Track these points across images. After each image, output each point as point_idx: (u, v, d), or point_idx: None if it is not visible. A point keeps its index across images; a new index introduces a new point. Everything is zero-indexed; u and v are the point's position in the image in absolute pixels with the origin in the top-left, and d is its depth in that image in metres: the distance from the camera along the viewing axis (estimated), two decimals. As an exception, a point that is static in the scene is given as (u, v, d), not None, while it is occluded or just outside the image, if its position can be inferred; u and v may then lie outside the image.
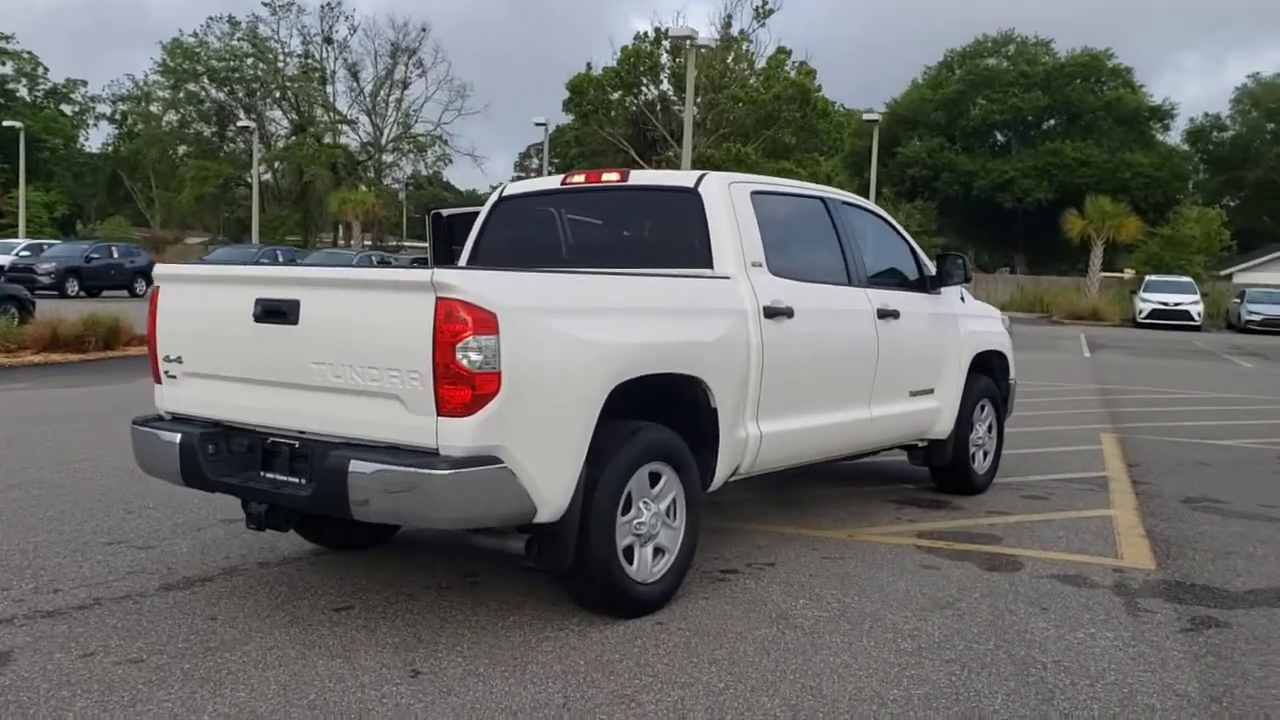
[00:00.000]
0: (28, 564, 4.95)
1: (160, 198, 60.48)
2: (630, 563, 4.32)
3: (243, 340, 4.15)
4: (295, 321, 3.96)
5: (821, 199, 5.98)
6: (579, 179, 5.62)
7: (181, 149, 61.66)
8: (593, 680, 3.71)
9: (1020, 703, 3.67)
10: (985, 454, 7.20)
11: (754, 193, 5.26)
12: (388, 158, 62.56)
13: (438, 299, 3.64)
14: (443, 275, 3.67)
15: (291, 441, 4.07)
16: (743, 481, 5.23)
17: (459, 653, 3.92)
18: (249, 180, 51.04)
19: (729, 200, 5.06)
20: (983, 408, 7.11)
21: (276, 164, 59.54)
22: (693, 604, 4.56)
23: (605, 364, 4.06)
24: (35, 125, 54.15)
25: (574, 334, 3.96)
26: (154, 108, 61.87)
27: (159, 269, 4.65)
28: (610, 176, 5.52)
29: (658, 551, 4.48)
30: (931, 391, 6.51)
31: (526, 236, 5.84)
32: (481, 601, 4.52)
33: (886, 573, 5.15)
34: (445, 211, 6.55)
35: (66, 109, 65.39)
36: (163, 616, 4.26)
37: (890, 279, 6.31)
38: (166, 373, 4.48)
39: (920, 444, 6.74)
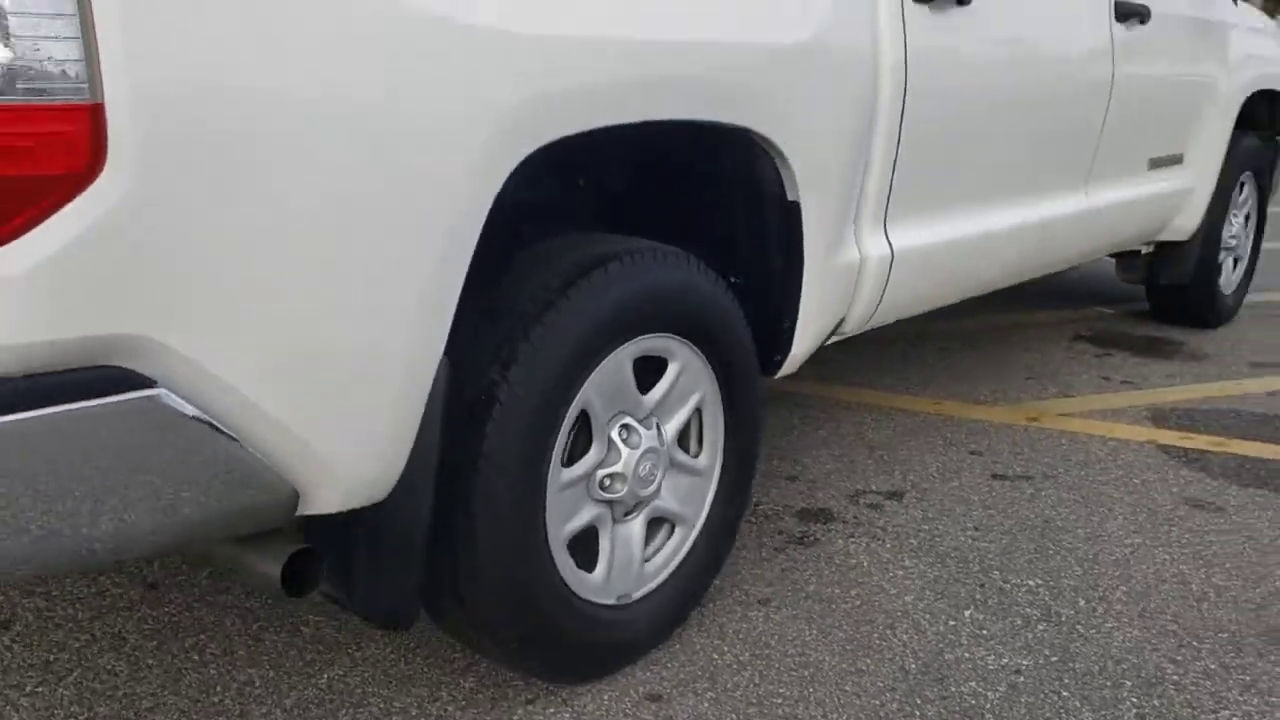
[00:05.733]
0: None
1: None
2: (594, 567, 1.88)
3: None
4: None
5: None
6: None
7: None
8: None
9: None
10: (1236, 261, 4.49)
11: None
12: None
13: None
14: None
15: None
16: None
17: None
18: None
19: None
20: (1241, 186, 4.35)
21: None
22: (730, 626, 2.13)
23: (497, 86, 1.47)
24: None
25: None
26: None
27: None
28: None
29: (659, 527, 2.02)
30: (1180, 160, 3.76)
31: None
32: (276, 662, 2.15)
33: (1119, 522, 2.64)
34: None
35: None
36: None
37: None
38: None
39: (1143, 249, 4.07)
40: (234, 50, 1.22)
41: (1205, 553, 2.48)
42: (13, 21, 1.09)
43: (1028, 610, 2.21)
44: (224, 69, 1.22)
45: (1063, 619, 2.18)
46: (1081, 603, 2.24)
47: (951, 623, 2.15)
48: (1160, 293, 4.31)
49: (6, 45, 1.09)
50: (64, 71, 1.12)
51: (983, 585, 2.30)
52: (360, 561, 1.60)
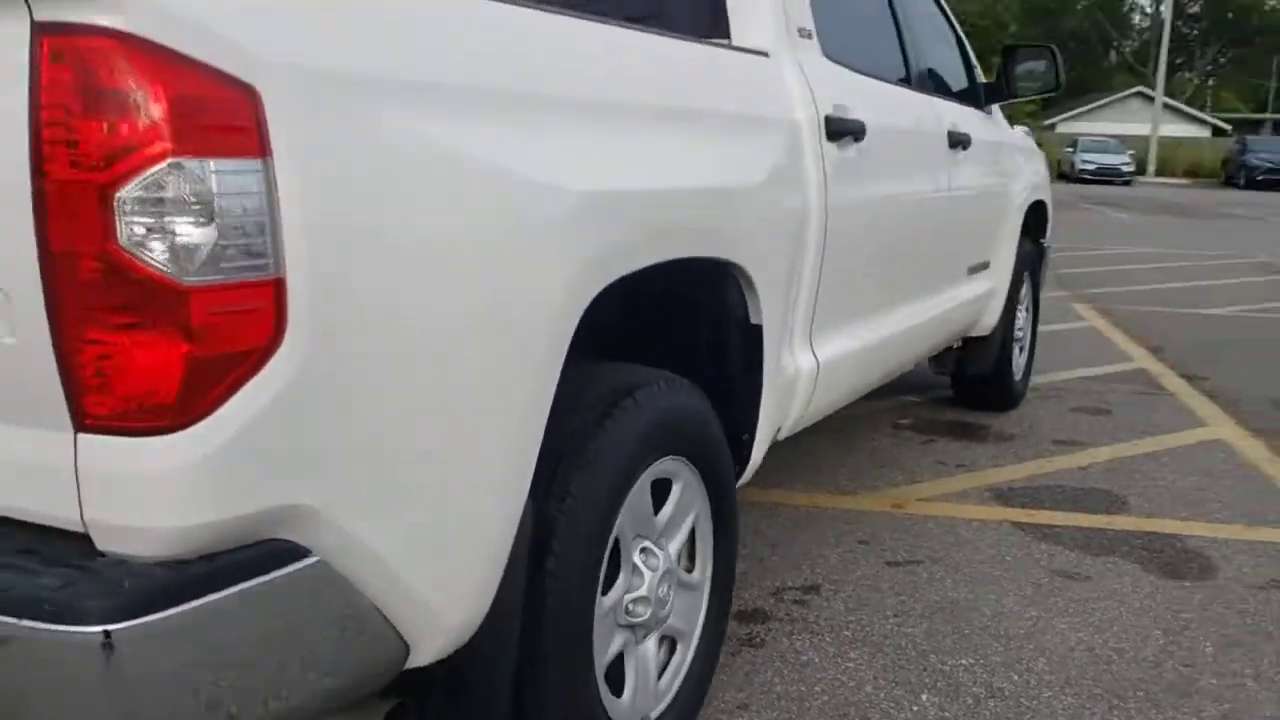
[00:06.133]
0: None
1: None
2: (620, 691, 1.91)
3: None
4: None
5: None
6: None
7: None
8: None
9: None
10: (1021, 350, 5.04)
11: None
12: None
13: (41, 29, 1.06)
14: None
15: None
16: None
17: None
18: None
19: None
20: (1023, 284, 4.90)
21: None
22: (725, 729, 2.20)
23: (581, 238, 1.54)
24: None
25: (491, 158, 1.41)
26: None
27: None
28: None
29: (666, 644, 2.08)
30: (987, 266, 4.23)
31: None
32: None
33: (1012, 598, 2.92)
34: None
35: None
36: None
37: (942, 84, 3.91)
38: None
39: (955, 345, 4.50)
40: (386, 226, 1.25)
41: (1093, 619, 2.78)
42: (219, 202, 1.08)
43: (974, 689, 2.41)
44: (376, 243, 1.24)
45: (1006, 694, 2.39)
46: (1015, 676, 2.47)
47: (915, 708, 2.32)
48: (966, 382, 4.77)
49: (212, 225, 1.08)
50: (256, 248, 1.11)
51: (925, 669, 2.49)
52: (443, 707, 1.57)
